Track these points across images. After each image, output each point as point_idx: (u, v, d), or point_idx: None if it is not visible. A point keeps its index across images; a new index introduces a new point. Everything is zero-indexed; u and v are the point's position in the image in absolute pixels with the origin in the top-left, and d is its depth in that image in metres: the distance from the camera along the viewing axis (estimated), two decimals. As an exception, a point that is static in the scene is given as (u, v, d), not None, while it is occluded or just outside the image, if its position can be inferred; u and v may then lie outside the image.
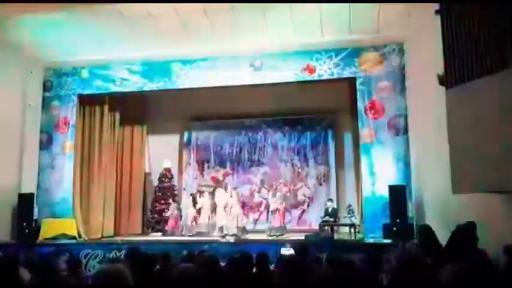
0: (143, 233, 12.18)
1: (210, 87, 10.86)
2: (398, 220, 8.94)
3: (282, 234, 10.58)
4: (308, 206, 12.30)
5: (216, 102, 11.94)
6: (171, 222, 11.67)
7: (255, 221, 12.37)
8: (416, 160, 9.43)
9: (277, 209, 10.97)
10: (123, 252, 7.37)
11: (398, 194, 9.17)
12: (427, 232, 5.59)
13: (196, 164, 13.15)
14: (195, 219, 11.36)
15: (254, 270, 4.10)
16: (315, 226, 11.03)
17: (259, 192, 12.52)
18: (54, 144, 11.18)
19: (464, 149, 5.38)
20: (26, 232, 9.95)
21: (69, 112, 11.24)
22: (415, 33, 9.00)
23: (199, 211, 11.44)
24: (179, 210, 11.86)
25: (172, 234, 11.34)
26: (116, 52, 10.52)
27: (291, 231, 11.29)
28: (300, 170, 12.56)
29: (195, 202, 11.73)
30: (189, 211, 11.44)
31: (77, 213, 10.88)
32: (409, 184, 9.50)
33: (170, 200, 12.19)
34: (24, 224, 10.02)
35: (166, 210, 12.04)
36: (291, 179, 12.55)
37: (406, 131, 9.84)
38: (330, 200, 11.02)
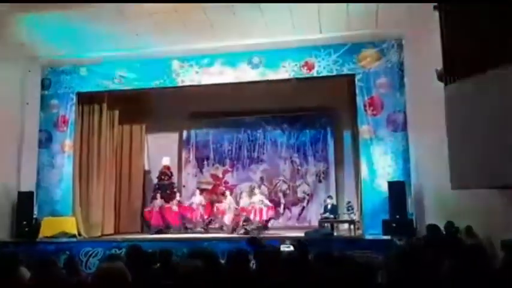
0: (143, 231, 12.17)
1: (209, 85, 10.85)
2: (397, 216, 8.96)
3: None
4: (308, 203, 12.29)
5: (215, 99, 11.90)
6: (152, 218, 11.58)
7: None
8: (415, 156, 9.43)
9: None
10: (123, 250, 7.37)
11: (397, 190, 9.19)
12: None
13: (195, 161, 13.15)
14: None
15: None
16: (315, 223, 11.04)
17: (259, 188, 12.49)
18: (54, 142, 11.15)
19: (463, 145, 5.39)
20: (25, 230, 9.96)
21: (68, 110, 11.21)
22: (414, 29, 8.99)
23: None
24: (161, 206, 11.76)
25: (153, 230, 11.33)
26: (115, 50, 10.49)
27: (291, 228, 11.31)
28: (299, 167, 12.54)
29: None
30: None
31: (77, 212, 10.85)
32: (408, 180, 9.50)
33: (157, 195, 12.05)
34: (24, 222, 10.03)
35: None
36: (290, 176, 12.54)
37: (405, 127, 9.83)
38: (330, 196, 11.03)
